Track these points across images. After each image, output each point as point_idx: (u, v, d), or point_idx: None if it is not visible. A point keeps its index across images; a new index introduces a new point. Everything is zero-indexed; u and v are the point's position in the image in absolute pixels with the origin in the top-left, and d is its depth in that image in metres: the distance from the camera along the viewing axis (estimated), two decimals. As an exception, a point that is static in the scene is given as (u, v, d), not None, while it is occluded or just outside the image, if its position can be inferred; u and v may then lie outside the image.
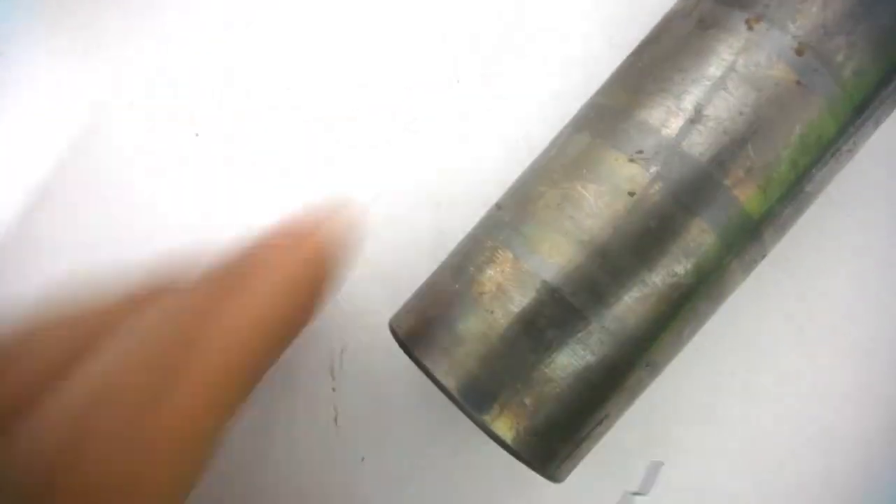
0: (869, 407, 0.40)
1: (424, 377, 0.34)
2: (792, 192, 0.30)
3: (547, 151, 0.33)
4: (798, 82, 0.29)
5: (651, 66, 0.31)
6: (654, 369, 0.31)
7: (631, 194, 0.29)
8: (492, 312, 0.29)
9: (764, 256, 0.32)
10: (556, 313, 0.29)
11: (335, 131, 0.42)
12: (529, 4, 0.42)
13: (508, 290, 0.29)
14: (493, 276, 0.30)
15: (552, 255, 0.29)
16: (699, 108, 0.29)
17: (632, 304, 0.29)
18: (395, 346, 0.38)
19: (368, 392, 0.40)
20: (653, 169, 0.29)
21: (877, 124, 0.32)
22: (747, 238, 0.30)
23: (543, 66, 0.42)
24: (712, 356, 0.39)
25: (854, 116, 0.30)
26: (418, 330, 0.31)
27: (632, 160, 0.29)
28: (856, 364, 0.40)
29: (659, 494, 0.40)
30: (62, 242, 0.41)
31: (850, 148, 0.31)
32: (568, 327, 0.29)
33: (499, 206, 0.33)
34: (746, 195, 0.29)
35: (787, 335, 0.40)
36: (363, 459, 0.40)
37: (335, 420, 0.40)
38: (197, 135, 0.42)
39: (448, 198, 0.41)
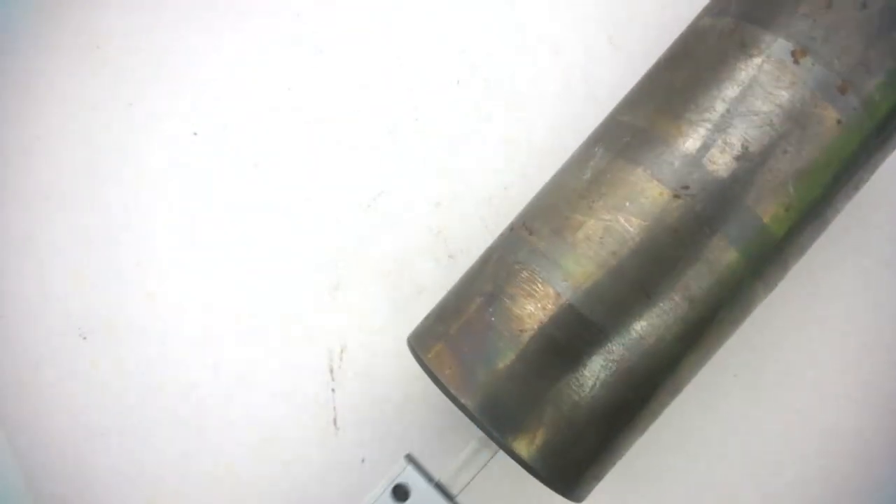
0: (869, 407, 0.40)
1: (425, 377, 0.34)
2: (819, 221, 0.31)
3: (578, 172, 0.32)
4: (839, 121, 0.28)
5: (691, 90, 0.30)
6: (677, 391, 0.32)
7: (676, 232, 0.28)
8: (534, 352, 0.29)
9: (784, 276, 0.33)
10: (599, 351, 0.29)
11: (336, 132, 0.42)
12: (529, 5, 0.42)
13: (550, 330, 0.29)
14: (533, 312, 0.29)
15: (597, 294, 0.29)
16: (746, 146, 0.28)
17: (672, 340, 0.29)
18: (396, 346, 0.38)
19: (368, 392, 0.40)
20: (699, 207, 0.28)
21: (893, 149, 0.32)
22: (777, 267, 0.31)
23: (543, 67, 0.42)
24: (714, 357, 0.39)
25: (880, 148, 0.30)
26: (451, 363, 0.31)
27: (677, 196, 0.29)
28: (856, 364, 0.40)
29: (660, 494, 0.39)
30: (62, 242, 0.41)
31: (870, 176, 0.32)
32: (608, 364, 0.29)
33: (529, 230, 0.32)
34: (783, 230, 0.29)
35: (789, 335, 0.40)
36: (363, 461, 0.40)
37: (335, 421, 0.40)
38: (196, 134, 0.42)
39: (448, 198, 0.41)
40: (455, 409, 0.32)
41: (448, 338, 0.31)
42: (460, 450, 0.35)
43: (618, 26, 0.41)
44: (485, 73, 0.42)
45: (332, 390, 0.40)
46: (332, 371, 0.40)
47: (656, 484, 0.40)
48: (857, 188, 0.31)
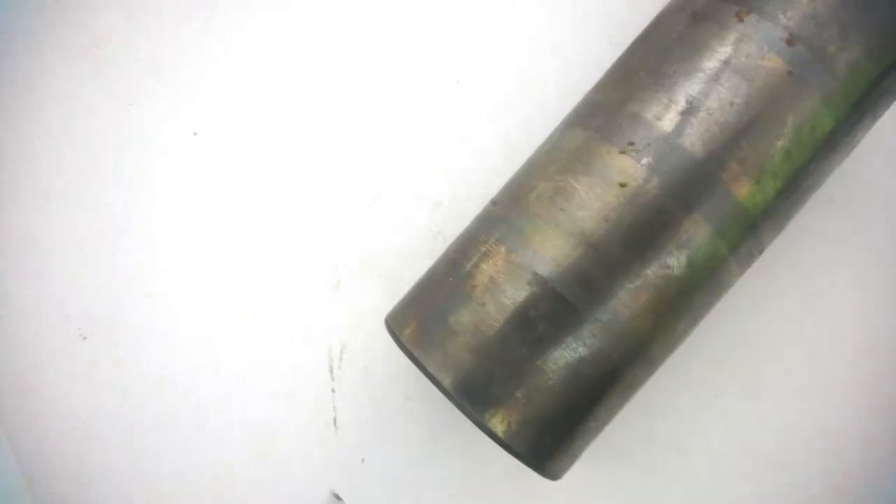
0: (869, 407, 0.40)
1: (425, 378, 0.34)
2: (788, 185, 0.30)
3: (541, 147, 0.34)
4: (790, 73, 0.29)
5: (643, 61, 0.31)
6: (650, 364, 0.31)
7: (622, 186, 0.29)
8: (483, 305, 0.29)
9: (762, 251, 0.32)
10: (548, 306, 0.29)
11: (335, 132, 0.42)
12: (529, 5, 0.42)
13: (500, 283, 0.29)
14: (485, 269, 0.30)
15: (544, 248, 0.29)
16: (690, 101, 0.29)
17: (624, 296, 0.29)
18: (395, 346, 0.38)
19: (368, 392, 0.40)
20: (644, 160, 0.29)
21: (875, 118, 0.32)
22: (742, 230, 0.30)
23: (543, 67, 0.42)
24: (713, 356, 0.39)
25: (851, 109, 0.30)
26: (411, 323, 0.31)
27: (623, 152, 0.29)
28: (856, 364, 0.40)
29: (660, 493, 0.39)
30: (62, 242, 0.41)
31: (849, 141, 0.31)
32: (560, 320, 0.29)
33: (494, 203, 0.33)
34: (740, 186, 0.29)
35: (788, 336, 0.40)
36: (363, 461, 0.40)
37: (334, 421, 0.40)
38: (196, 134, 0.42)
39: (448, 198, 0.41)
40: (454, 408, 0.32)
41: (413, 307, 0.32)
42: (460, 450, 0.35)
43: (618, 26, 0.41)
44: (485, 73, 0.42)
45: (332, 390, 0.40)
46: (332, 371, 0.40)
47: (655, 483, 0.40)
48: (835, 151, 0.31)
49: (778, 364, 0.40)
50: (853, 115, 0.30)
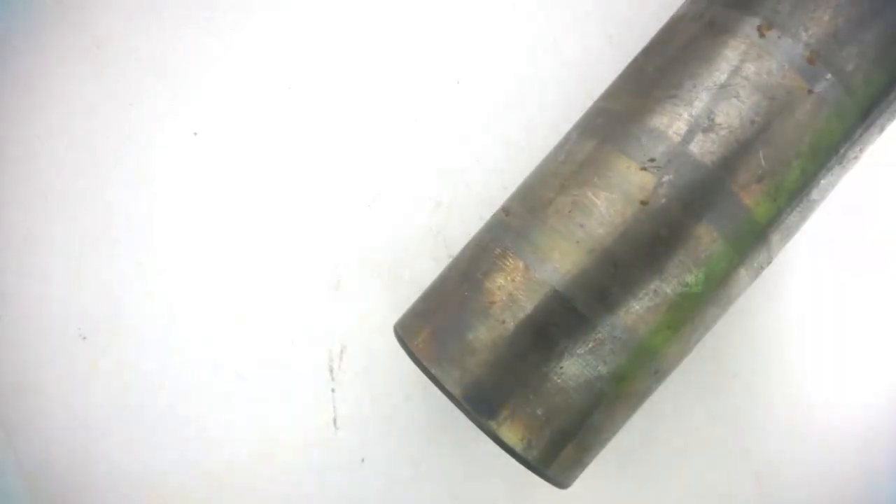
0: (869, 407, 0.40)
1: (425, 378, 0.34)
2: (799, 199, 0.30)
3: (555, 156, 0.33)
4: (809, 91, 0.28)
5: (660, 71, 0.31)
6: (662, 375, 0.31)
7: (643, 203, 0.29)
8: (502, 322, 0.29)
9: (770, 262, 0.32)
10: (567, 323, 0.29)
11: (335, 132, 0.42)
12: (529, 5, 0.42)
13: (519, 300, 0.29)
14: (503, 284, 0.30)
15: (563, 264, 0.29)
16: (711, 117, 0.29)
17: (643, 313, 0.29)
18: (396, 346, 0.38)
19: (368, 392, 0.40)
20: (665, 178, 0.28)
21: (881, 130, 0.32)
22: (756, 245, 0.30)
23: (543, 66, 0.42)
24: (714, 357, 0.39)
25: (861, 123, 0.30)
26: (426, 338, 0.31)
27: (643, 168, 0.29)
28: (857, 365, 0.40)
29: (660, 494, 0.40)
30: (62, 242, 0.41)
31: (856, 155, 0.31)
32: (579, 337, 0.29)
33: (506, 212, 0.32)
34: (756, 203, 0.29)
35: (788, 336, 0.40)
36: (363, 461, 0.40)
37: (334, 421, 0.40)
38: (196, 134, 0.42)
39: (448, 198, 0.41)
40: (454, 408, 0.32)
41: (425, 317, 0.32)
42: (460, 450, 0.35)
43: (618, 26, 0.41)
44: (485, 73, 0.42)
45: (332, 390, 0.40)
46: (332, 371, 0.40)
47: (656, 484, 0.40)
48: (843, 165, 0.31)
49: (778, 364, 0.40)
50: (863, 129, 0.30)
